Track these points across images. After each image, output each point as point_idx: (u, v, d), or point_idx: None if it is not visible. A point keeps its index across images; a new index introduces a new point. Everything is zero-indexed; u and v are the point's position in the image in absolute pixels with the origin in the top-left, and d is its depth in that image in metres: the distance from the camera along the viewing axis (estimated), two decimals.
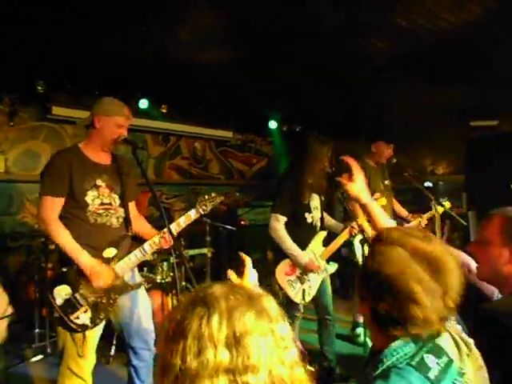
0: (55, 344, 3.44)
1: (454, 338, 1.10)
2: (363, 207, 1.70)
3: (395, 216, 3.94)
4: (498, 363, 1.18)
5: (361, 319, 3.79)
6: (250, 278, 1.27)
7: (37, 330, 3.74)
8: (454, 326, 1.15)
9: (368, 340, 3.24)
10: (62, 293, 2.19)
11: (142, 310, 2.51)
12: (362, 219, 3.23)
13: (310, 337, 3.55)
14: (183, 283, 3.93)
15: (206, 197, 2.43)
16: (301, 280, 3.04)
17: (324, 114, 5.65)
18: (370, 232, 3.51)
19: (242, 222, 5.60)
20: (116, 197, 2.41)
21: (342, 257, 3.71)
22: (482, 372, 1.12)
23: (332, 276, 3.29)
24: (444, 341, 1.05)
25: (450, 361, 1.01)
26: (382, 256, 1.05)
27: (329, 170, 3.03)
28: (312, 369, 1.02)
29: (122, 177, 2.46)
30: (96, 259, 2.24)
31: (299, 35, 3.11)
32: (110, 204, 2.38)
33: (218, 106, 5.34)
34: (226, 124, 5.84)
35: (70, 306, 2.19)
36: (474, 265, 1.64)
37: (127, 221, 2.44)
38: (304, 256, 2.99)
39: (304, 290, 3.02)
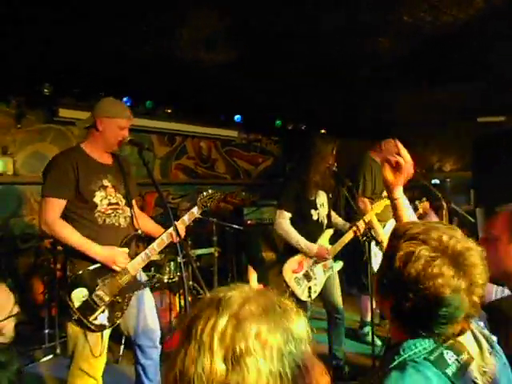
0: (65, 344, 3.44)
1: (475, 335, 1.06)
2: (392, 202, 1.58)
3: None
4: None
5: (368, 318, 3.77)
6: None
7: (46, 331, 3.76)
8: (476, 322, 1.11)
9: (376, 339, 3.24)
10: (79, 295, 2.19)
11: (148, 309, 2.53)
12: (370, 216, 3.24)
13: (318, 336, 3.55)
14: (190, 283, 3.95)
15: (205, 194, 2.52)
16: (307, 277, 3.05)
17: (324, 113, 5.63)
18: (378, 229, 3.52)
19: (249, 222, 5.62)
20: (121, 196, 2.41)
21: (348, 255, 3.69)
22: (507, 370, 1.08)
23: (339, 274, 3.29)
24: (465, 337, 1.02)
25: (471, 358, 0.98)
26: (404, 253, 1.00)
27: (335, 169, 3.06)
28: None
29: (125, 176, 2.47)
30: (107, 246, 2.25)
31: (299, 35, 3.10)
32: (117, 204, 2.38)
33: (222, 106, 5.34)
34: (231, 123, 5.85)
35: (88, 307, 2.20)
36: None
37: (134, 220, 2.45)
38: (312, 245, 3.01)
39: (310, 288, 3.03)
